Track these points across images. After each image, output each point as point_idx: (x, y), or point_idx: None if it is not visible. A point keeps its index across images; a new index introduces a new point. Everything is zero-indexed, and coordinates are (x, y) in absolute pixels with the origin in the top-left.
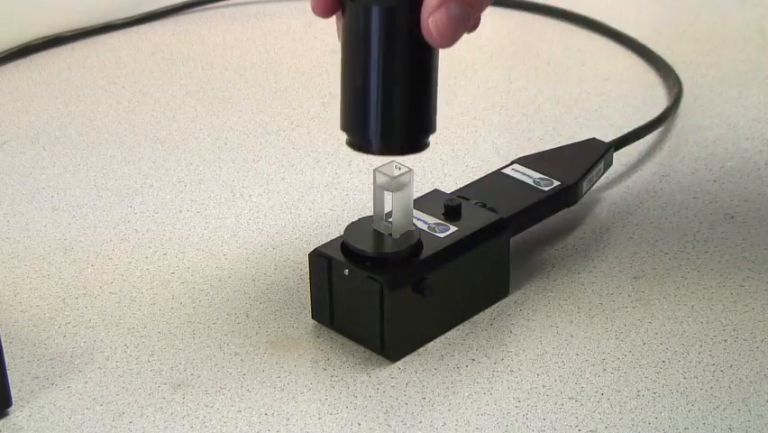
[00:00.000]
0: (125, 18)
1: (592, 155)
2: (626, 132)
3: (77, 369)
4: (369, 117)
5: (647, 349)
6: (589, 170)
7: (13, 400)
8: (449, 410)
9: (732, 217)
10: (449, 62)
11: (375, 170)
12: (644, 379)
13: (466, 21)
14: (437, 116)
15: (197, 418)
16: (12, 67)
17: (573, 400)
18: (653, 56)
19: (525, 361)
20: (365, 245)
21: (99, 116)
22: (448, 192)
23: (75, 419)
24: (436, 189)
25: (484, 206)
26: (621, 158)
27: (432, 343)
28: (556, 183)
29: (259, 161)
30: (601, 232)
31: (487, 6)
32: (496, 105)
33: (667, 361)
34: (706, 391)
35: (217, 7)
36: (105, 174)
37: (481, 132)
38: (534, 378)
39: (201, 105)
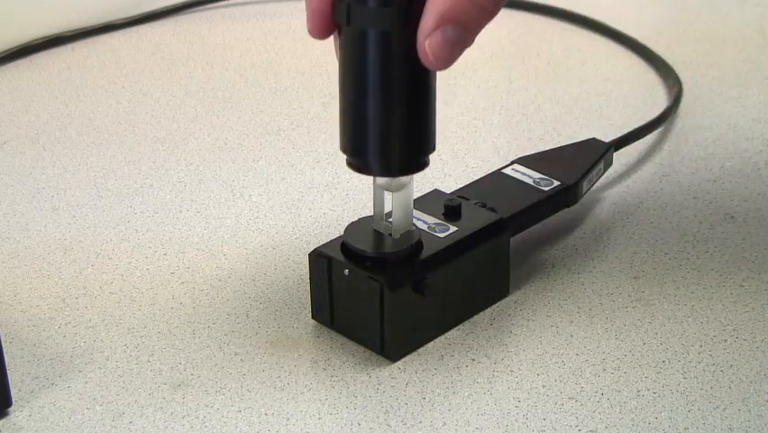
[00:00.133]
0: (125, 18)
1: (592, 155)
2: (626, 132)
3: (77, 369)
4: (368, 140)
5: (647, 349)
6: (589, 170)
7: (13, 400)
8: (449, 410)
9: (732, 217)
10: None
11: None
12: (644, 379)
13: (462, 43)
14: (436, 133)
15: (197, 418)
16: (12, 67)
17: (573, 400)
18: (653, 56)
19: (525, 361)
20: (365, 245)
21: (99, 116)
22: (448, 192)
23: (75, 419)
24: (436, 189)
25: (484, 206)
26: (621, 158)
27: (432, 343)
28: (556, 183)
29: (259, 161)
30: (601, 232)
31: (483, 28)
32: (496, 105)
33: (667, 361)
34: (706, 391)
35: (217, 7)
36: (105, 174)
37: (481, 132)
38: (534, 378)
39: (201, 105)
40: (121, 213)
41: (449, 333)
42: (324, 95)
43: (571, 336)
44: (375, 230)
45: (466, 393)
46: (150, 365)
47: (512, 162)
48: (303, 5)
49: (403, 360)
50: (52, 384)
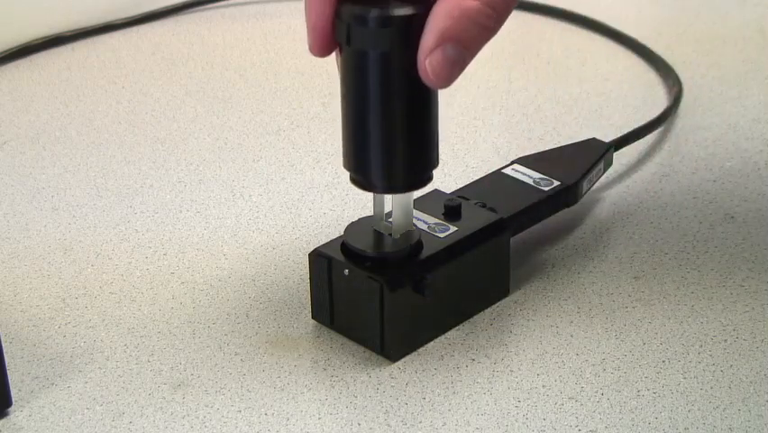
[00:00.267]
0: (125, 18)
1: (592, 155)
2: (626, 132)
3: (77, 369)
4: (370, 159)
5: (647, 349)
6: (589, 170)
7: (13, 400)
8: (449, 410)
9: (732, 217)
10: None
11: None
12: (644, 379)
13: (462, 62)
14: (439, 149)
15: (197, 418)
16: (12, 67)
17: (573, 400)
18: (653, 56)
19: (525, 361)
20: (365, 245)
21: (99, 116)
22: (448, 192)
23: (75, 419)
24: (436, 189)
25: (484, 206)
26: (621, 158)
27: (432, 343)
28: (556, 183)
29: (259, 161)
30: (601, 232)
31: (484, 46)
32: (496, 105)
33: (667, 361)
34: (706, 391)
35: (217, 7)
36: (105, 174)
37: (481, 132)
38: (534, 378)
39: (201, 105)
40: (121, 213)
41: (449, 333)
42: (324, 95)
43: (571, 336)
44: (375, 230)
45: (466, 393)
46: (150, 365)
47: (512, 162)
48: (303, 6)
49: (403, 360)
50: (52, 384)
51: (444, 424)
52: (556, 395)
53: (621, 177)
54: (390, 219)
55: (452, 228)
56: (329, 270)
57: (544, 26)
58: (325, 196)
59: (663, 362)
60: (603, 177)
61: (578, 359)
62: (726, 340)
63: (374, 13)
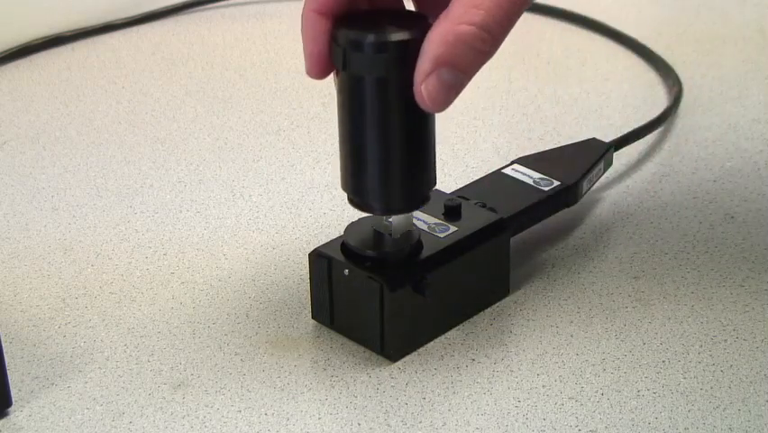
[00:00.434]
0: (125, 18)
1: (592, 155)
2: (626, 132)
3: (77, 369)
4: (367, 182)
5: (647, 349)
6: (589, 170)
7: (13, 400)
8: (449, 410)
9: (732, 217)
10: None
11: None
12: (644, 379)
13: (458, 86)
14: (436, 169)
15: (197, 418)
16: (12, 67)
17: (573, 400)
18: (653, 56)
19: (525, 361)
20: (365, 245)
21: (99, 116)
22: (448, 192)
23: (75, 419)
24: (436, 189)
25: (484, 206)
26: (621, 158)
27: (432, 343)
28: (556, 183)
29: (259, 161)
30: (601, 232)
31: (479, 70)
32: (496, 106)
33: (667, 361)
34: (706, 391)
35: (217, 7)
36: (105, 174)
37: (481, 132)
38: (534, 378)
39: (201, 105)
40: (121, 213)
41: (449, 333)
42: (324, 95)
43: (571, 336)
44: (375, 230)
45: (466, 393)
46: (150, 365)
47: (512, 162)
48: (303, 6)
49: (403, 360)
50: (52, 384)
51: (444, 424)
52: (556, 395)
53: (621, 177)
54: (390, 219)
55: (452, 228)
56: (329, 270)
57: (543, 26)
58: (325, 196)
59: (663, 362)
60: (603, 177)
61: (578, 359)
62: (726, 340)
63: (370, 38)
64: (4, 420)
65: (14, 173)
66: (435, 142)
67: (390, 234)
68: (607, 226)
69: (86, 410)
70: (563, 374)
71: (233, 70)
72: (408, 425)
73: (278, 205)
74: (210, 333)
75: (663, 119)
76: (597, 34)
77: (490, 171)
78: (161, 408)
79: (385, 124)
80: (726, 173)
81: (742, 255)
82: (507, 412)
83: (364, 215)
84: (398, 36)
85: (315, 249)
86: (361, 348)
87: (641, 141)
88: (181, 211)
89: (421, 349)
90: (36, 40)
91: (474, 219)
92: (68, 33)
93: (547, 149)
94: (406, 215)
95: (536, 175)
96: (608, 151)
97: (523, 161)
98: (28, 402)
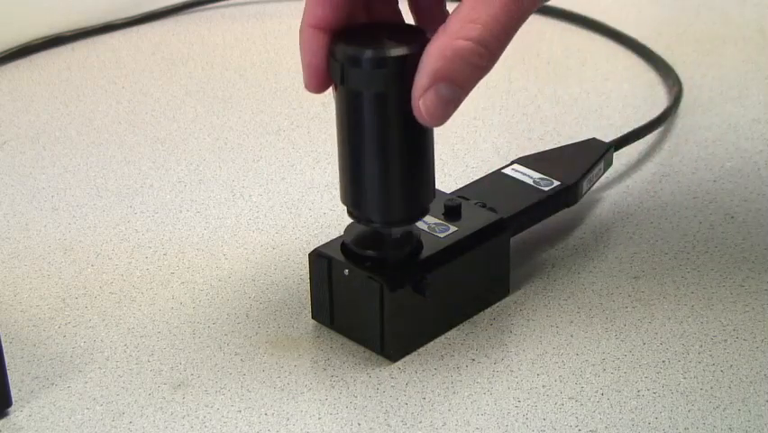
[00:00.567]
0: (125, 18)
1: (592, 155)
2: (626, 132)
3: (77, 369)
4: (367, 195)
5: (647, 349)
6: (589, 170)
7: (13, 400)
8: (449, 410)
9: (732, 217)
10: None
11: None
12: (644, 379)
13: (456, 101)
14: (435, 182)
15: (197, 418)
16: (12, 67)
17: (573, 400)
18: (653, 56)
19: (525, 361)
20: (365, 245)
21: (99, 116)
22: (448, 192)
23: (75, 419)
24: (436, 189)
25: (484, 206)
26: (621, 158)
27: (432, 343)
28: (556, 183)
29: (259, 161)
30: (601, 232)
31: (477, 84)
32: (496, 106)
33: (667, 361)
34: (706, 391)
35: (217, 7)
36: (105, 174)
37: (481, 132)
38: (534, 378)
39: (201, 105)
40: (121, 213)
41: (449, 333)
42: (324, 95)
43: (571, 336)
44: (375, 230)
45: (466, 393)
46: (150, 365)
47: (512, 162)
48: (303, 6)
49: (403, 360)
50: (52, 384)
51: (444, 424)
52: (556, 395)
53: (621, 177)
54: None
55: (452, 228)
56: (329, 270)
57: (544, 26)
58: (325, 196)
59: (663, 362)
60: (603, 177)
61: (578, 359)
62: (726, 340)
63: (368, 54)
64: (4, 420)
65: (14, 173)
66: (434, 154)
67: (390, 235)
68: (607, 226)
69: (86, 410)
70: (563, 374)
71: (233, 70)
72: (408, 425)
73: (278, 205)
74: (210, 333)
75: (663, 119)
76: (597, 34)
77: (490, 171)
78: (161, 408)
79: (383, 139)
80: (726, 173)
81: (742, 255)
82: (507, 412)
83: None
84: (396, 51)
85: (315, 249)
86: (361, 348)
87: (641, 141)
88: (181, 211)
89: (421, 349)
90: (36, 40)
91: (474, 219)
92: (68, 33)
93: (547, 149)
94: None
95: (536, 175)
96: (607, 151)
97: (523, 161)
98: (28, 402)
